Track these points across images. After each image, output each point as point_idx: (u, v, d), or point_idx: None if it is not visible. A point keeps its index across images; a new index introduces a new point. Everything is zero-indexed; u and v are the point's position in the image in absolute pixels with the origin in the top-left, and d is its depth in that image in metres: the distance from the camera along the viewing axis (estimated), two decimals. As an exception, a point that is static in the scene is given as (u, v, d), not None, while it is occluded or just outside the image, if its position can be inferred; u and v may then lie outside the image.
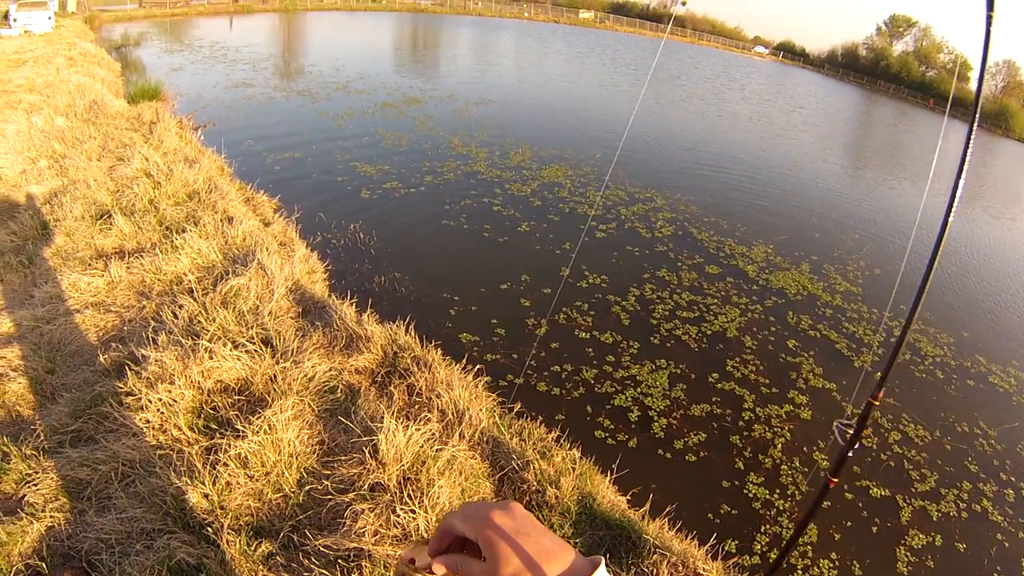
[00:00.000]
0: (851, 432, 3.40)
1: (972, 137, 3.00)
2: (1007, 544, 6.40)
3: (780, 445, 6.67)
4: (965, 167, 3.01)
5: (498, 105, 22.61)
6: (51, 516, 3.52)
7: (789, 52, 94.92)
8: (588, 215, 12.19)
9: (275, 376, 4.88)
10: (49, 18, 29.38)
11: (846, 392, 7.93)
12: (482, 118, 19.85)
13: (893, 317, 10.13)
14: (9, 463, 3.83)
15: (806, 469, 6.46)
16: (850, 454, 3.44)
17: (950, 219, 3.06)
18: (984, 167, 44.21)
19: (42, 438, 4.11)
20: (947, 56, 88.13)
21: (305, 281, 7.28)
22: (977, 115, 3.06)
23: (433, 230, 10.77)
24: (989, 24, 2.91)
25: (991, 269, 16.66)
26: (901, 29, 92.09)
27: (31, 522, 3.45)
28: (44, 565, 3.27)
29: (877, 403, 3.40)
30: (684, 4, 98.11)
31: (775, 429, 6.94)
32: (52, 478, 3.77)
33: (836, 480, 3.55)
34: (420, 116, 19.07)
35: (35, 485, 3.72)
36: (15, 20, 28.35)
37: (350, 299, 7.09)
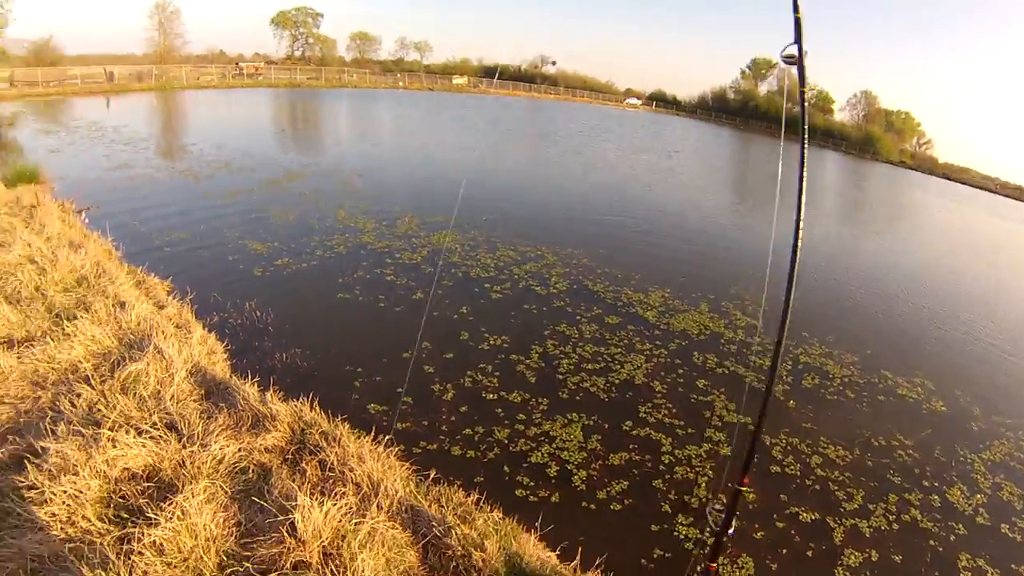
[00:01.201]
0: (723, 516, 3.60)
1: (804, 162, 3.30)
2: (941, 548, 6.85)
3: (704, 484, 6.91)
4: (804, 189, 3.29)
5: (380, 174, 22.98)
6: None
7: (661, 101, 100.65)
8: (482, 277, 12.44)
9: (183, 461, 4.84)
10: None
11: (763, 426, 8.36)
12: (365, 189, 20.09)
13: (797, 344, 10.89)
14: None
15: (738, 512, 6.73)
16: (725, 539, 3.63)
17: (799, 243, 3.33)
18: (861, 191, 47.87)
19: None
20: (810, 92, 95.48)
21: (205, 363, 7.19)
22: (805, 139, 3.35)
23: (329, 304, 10.76)
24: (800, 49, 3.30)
25: (882, 283, 18.06)
26: (764, 71, 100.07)
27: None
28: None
29: (744, 488, 3.54)
30: (554, 64, 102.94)
31: (697, 468, 7.18)
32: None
33: (715, 564, 3.74)
34: (305, 191, 19.10)
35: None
36: None
37: (252, 378, 7.05)
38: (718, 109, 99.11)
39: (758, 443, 3.52)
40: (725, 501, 3.65)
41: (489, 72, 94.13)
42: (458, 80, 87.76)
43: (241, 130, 32.41)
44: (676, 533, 6.18)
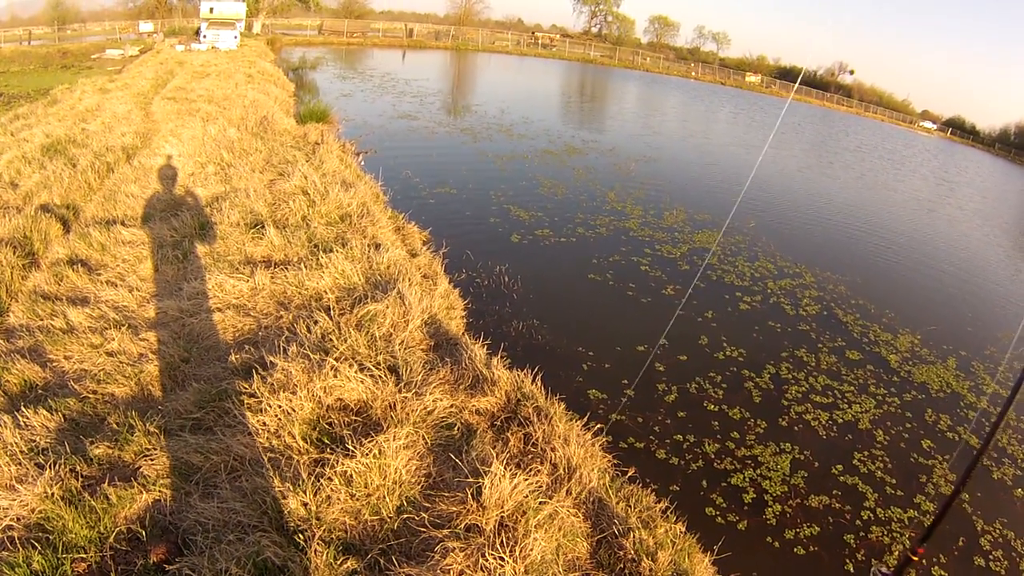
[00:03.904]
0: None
1: None
2: None
3: (897, 553, 6.32)
4: None
5: (659, 164, 22.78)
6: (159, 491, 3.94)
7: (958, 129, 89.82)
8: (735, 285, 12.11)
9: (395, 404, 5.12)
10: (235, 37, 33.35)
11: (979, 506, 7.38)
12: (641, 175, 20.10)
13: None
14: (132, 435, 4.32)
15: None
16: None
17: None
18: None
19: (166, 419, 4.60)
20: None
21: (442, 316, 7.59)
22: None
23: (578, 283, 11.02)
24: None
25: None
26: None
27: (141, 492, 3.89)
28: (143, 533, 3.67)
29: (916, 558, 3.28)
30: (852, 73, 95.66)
31: (895, 535, 6.58)
32: (167, 457, 4.21)
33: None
34: (579, 166, 19.65)
35: (151, 460, 4.18)
36: (205, 36, 32.50)
37: (483, 340, 7.36)
38: (1020, 147, 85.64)
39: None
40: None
41: (783, 73, 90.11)
42: (751, 78, 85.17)
43: (527, 98, 34.12)
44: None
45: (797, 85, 15.00)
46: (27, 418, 4.39)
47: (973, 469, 3.23)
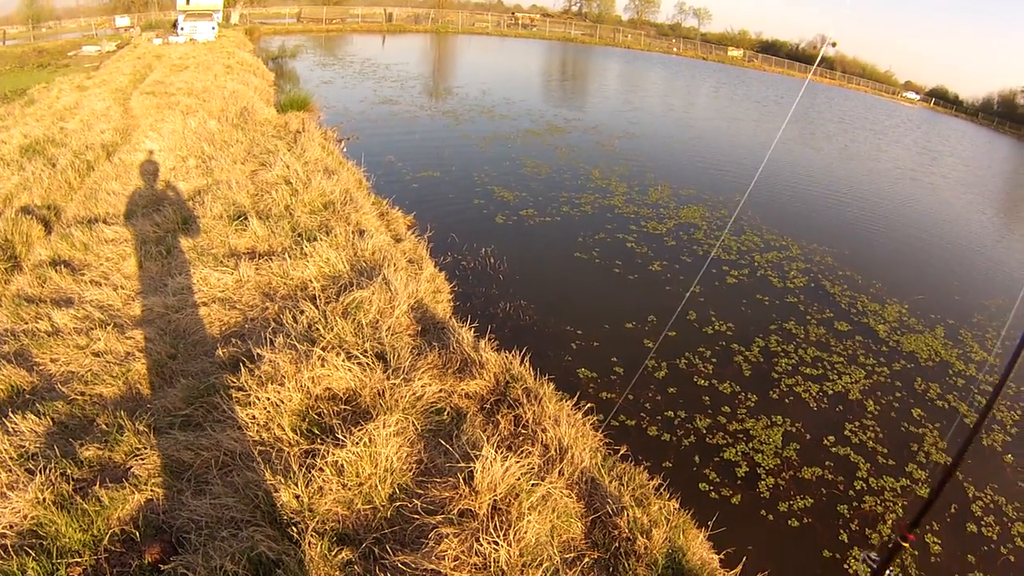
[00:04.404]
0: (875, 566, 3.46)
1: None
2: None
3: (891, 522, 6.33)
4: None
5: (641, 140, 22.77)
6: (151, 490, 3.93)
7: (941, 99, 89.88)
8: (721, 259, 12.12)
9: (383, 391, 5.11)
10: (213, 28, 33.05)
11: (969, 473, 7.40)
12: (624, 152, 20.09)
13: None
14: (122, 435, 4.30)
15: (916, 552, 6.06)
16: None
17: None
18: None
19: (155, 417, 4.59)
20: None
21: (429, 300, 7.58)
22: None
23: (564, 262, 11.02)
24: None
25: None
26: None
27: (133, 492, 3.88)
28: (137, 533, 3.66)
29: (907, 544, 3.30)
30: (834, 45, 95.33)
31: (887, 503, 6.60)
32: (158, 456, 4.19)
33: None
34: (562, 145, 19.61)
35: (142, 459, 4.17)
36: (182, 29, 32.17)
37: (471, 323, 7.28)
38: (1003, 115, 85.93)
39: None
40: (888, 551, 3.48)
41: (765, 47, 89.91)
42: (733, 52, 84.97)
43: (508, 78, 34.00)
44: (847, 567, 5.75)
45: (816, 65, 14.86)
46: (15, 424, 4.37)
47: (967, 449, 3.20)
